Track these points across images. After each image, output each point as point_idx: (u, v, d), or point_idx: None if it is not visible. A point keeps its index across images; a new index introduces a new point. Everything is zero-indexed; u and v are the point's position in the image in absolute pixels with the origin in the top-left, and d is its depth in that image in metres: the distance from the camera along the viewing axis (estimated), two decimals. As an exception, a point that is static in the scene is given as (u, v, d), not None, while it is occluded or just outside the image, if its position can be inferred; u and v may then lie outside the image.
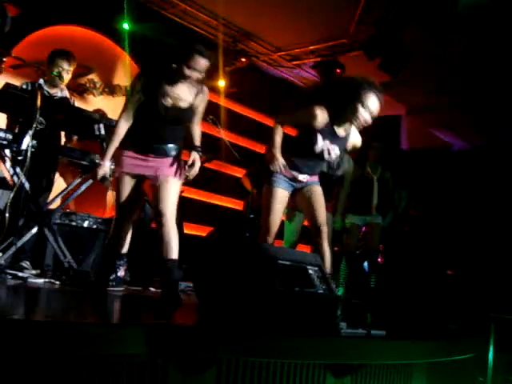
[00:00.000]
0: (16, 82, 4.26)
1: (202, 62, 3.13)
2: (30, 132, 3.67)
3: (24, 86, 4.24)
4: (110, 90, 6.57)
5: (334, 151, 3.52)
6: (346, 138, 3.58)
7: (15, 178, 3.85)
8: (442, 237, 8.00)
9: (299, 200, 3.67)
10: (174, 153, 3.29)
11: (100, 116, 4.23)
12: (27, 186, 3.88)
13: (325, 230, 3.55)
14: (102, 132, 4.10)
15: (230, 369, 2.20)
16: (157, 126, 3.24)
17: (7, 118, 4.21)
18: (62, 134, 4.46)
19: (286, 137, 3.51)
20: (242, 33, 7.32)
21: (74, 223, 4.41)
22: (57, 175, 4.44)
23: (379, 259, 6.50)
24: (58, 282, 3.65)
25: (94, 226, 4.54)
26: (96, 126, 4.10)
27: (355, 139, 3.65)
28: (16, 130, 3.94)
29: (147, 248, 4.08)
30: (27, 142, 3.71)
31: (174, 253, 3.14)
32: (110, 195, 4.54)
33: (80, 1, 5.94)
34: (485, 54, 6.62)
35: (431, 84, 7.59)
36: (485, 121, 8.38)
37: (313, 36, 7.11)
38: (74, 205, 4.77)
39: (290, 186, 3.58)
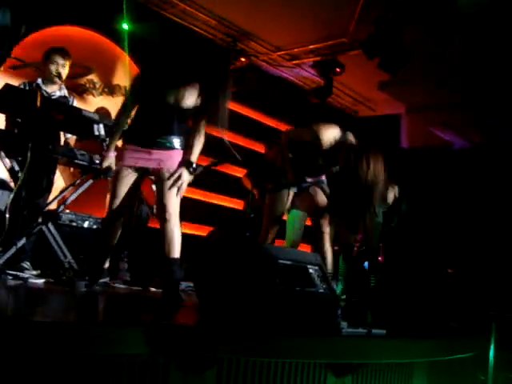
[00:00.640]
0: (16, 82, 4.26)
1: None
2: (30, 132, 3.67)
3: (22, 86, 4.24)
4: (110, 90, 6.56)
5: None
6: None
7: (15, 179, 3.84)
8: (442, 235, 8.00)
9: (302, 199, 3.67)
10: (177, 145, 3.24)
11: (100, 116, 4.22)
12: (27, 186, 3.87)
13: (327, 230, 3.55)
14: (102, 132, 4.09)
15: (230, 369, 2.20)
16: (160, 120, 3.20)
17: (6, 118, 4.21)
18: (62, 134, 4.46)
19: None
20: (241, 32, 7.31)
21: (74, 224, 4.41)
22: (57, 175, 4.44)
23: (379, 258, 6.49)
24: (57, 283, 3.65)
25: (95, 227, 4.54)
26: (96, 126, 4.09)
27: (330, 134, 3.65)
28: (15, 131, 3.94)
29: (147, 247, 4.08)
30: (27, 142, 3.70)
31: (176, 251, 3.12)
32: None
33: (79, 1, 5.94)
34: (485, 52, 6.61)
35: (431, 83, 7.59)
36: (485, 120, 8.37)
37: (312, 35, 7.10)
38: (74, 205, 4.76)
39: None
